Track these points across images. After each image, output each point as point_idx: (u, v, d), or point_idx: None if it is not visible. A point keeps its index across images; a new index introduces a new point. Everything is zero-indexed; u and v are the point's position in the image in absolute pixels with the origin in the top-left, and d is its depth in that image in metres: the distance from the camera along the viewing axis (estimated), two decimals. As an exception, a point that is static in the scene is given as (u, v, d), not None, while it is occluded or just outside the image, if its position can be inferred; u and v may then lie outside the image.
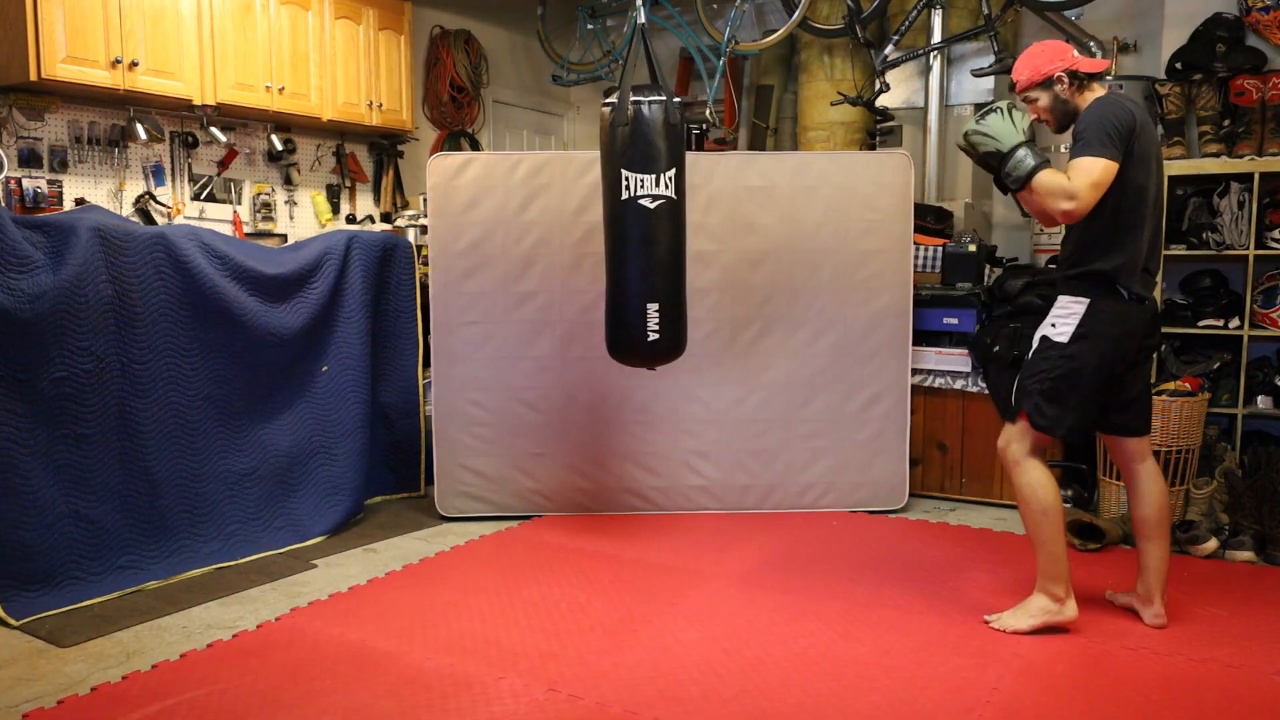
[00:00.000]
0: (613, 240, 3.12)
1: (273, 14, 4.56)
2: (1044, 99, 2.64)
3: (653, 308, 3.10)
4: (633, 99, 3.01)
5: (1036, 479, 2.63)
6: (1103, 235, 2.55)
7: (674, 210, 3.12)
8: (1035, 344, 2.67)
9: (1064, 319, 2.60)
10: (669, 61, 6.36)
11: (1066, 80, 2.59)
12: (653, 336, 3.12)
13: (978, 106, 4.85)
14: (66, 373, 2.97)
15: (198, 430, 3.34)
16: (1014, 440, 2.67)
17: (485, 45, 6.03)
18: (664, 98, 3.04)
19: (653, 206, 3.06)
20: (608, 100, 3.09)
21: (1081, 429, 2.67)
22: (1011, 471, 2.68)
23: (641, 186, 3.04)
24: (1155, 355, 2.76)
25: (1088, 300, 2.57)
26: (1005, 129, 2.56)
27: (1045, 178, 2.49)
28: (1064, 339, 2.58)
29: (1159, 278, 4.11)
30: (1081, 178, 2.43)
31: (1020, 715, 2.26)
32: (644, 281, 3.10)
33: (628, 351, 3.20)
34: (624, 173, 3.03)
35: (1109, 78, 4.42)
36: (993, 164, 2.60)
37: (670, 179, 3.08)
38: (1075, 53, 2.61)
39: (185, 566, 3.21)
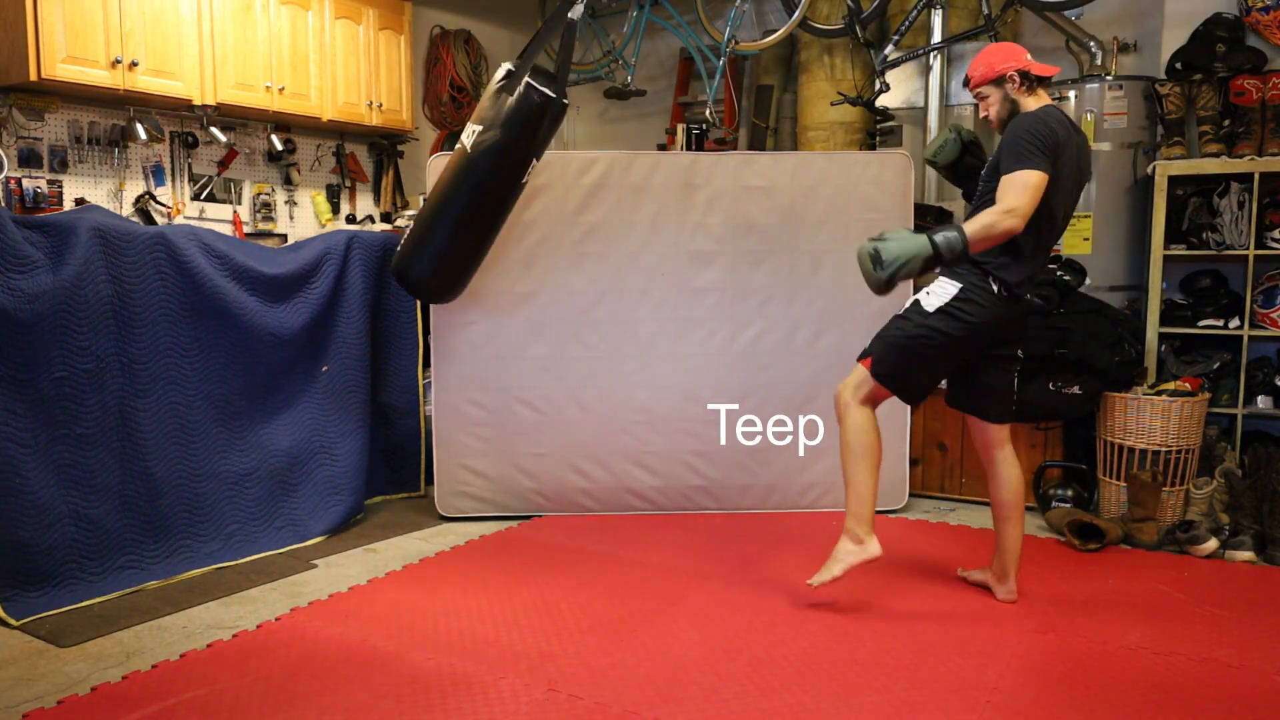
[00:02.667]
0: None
1: (273, 14, 4.56)
2: (994, 96, 2.79)
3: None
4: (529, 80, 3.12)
5: (860, 421, 2.78)
6: (1012, 242, 2.67)
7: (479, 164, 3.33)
8: (907, 304, 2.84)
9: (937, 293, 2.75)
10: (669, 61, 6.36)
11: (1018, 79, 2.74)
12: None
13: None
14: (66, 372, 2.97)
15: (198, 430, 3.34)
16: (850, 386, 2.81)
17: (485, 45, 6.04)
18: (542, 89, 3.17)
19: (470, 153, 3.28)
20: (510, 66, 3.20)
21: (918, 394, 2.84)
22: (841, 414, 2.81)
23: (472, 134, 3.27)
24: (1020, 357, 2.93)
25: (960, 285, 2.73)
26: (909, 243, 2.59)
27: (975, 230, 2.58)
28: (930, 309, 2.74)
29: (1157, 282, 4.13)
30: (1015, 192, 2.56)
31: (1020, 715, 2.26)
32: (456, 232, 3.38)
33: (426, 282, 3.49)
34: (470, 126, 3.26)
35: (1109, 76, 4.43)
36: (931, 266, 2.66)
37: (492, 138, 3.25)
38: (1028, 56, 2.76)
39: (185, 566, 3.21)
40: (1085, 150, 2.79)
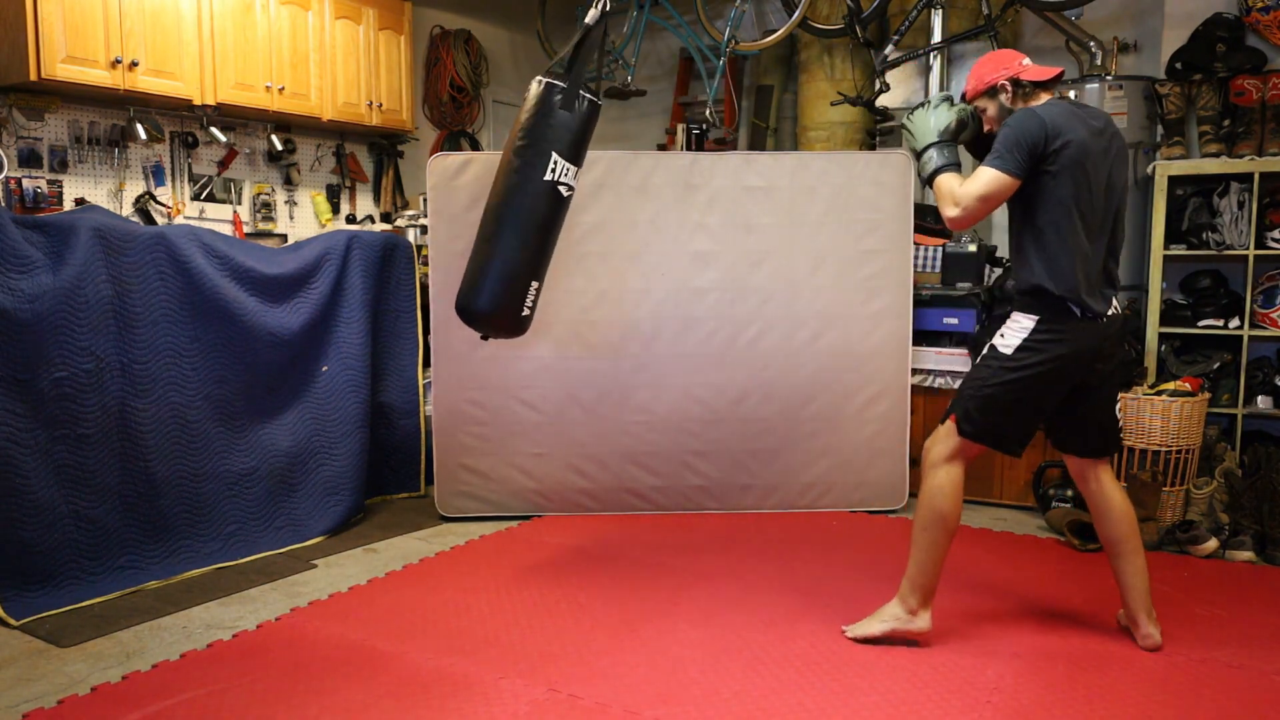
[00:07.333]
0: (515, 213, 3.02)
1: (273, 14, 4.56)
2: (990, 108, 2.63)
3: (534, 286, 3.07)
4: (583, 91, 2.99)
5: (943, 483, 2.57)
6: (1041, 253, 2.50)
7: (568, 204, 3.13)
8: (984, 351, 2.63)
9: (1013, 332, 2.55)
10: (669, 62, 6.36)
11: (1010, 89, 2.58)
12: (526, 312, 3.08)
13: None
14: (66, 373, 2.97)
15: (197, 430, 3.34)
16: (938, 442, 2.61)
17: (485, 45, 6.03)
18: (598, 99, 3.06)
19: (566, 195, 3.05)
20: (552, 79, 3.01)
21: (1015, 442, 2.61)
22: (924, 472, 2.61)
23: (566, 174, 3.01)
24: (1121, 376, 2.68)
25: (1036, 318, 2.51)
26: (922, 127, 2.62)
27: (943, 181, 2.54)
28: (1008, 350, 2.53)
29: (1157, 282, 4.12)
30: (969, 186, 2.47)
31: (1020, 715, 2.26)
32: (535, 260, 3.05)
33: (491, 317, 3.07)
34: (555, 155, 2.99)
35: (1109, 76, 4.43)
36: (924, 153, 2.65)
37: (578, 176, 3.10)
38: (1025, 62, 2.59)
39: (185, 566, 3.21)
40: (1115, 143, 2.54)
